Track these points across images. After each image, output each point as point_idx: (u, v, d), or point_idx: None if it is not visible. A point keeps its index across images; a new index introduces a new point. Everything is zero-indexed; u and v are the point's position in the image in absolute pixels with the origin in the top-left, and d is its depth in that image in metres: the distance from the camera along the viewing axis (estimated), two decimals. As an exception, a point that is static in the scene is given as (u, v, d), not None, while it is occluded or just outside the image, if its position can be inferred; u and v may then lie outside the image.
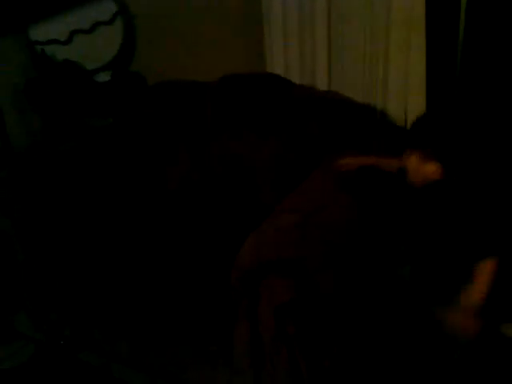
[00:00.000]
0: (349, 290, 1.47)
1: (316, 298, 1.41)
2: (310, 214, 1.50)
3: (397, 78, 2.05)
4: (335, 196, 1.60)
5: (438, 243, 1.49)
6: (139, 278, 1.76)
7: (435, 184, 1.44)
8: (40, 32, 2.46)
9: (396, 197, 1.56)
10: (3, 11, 2.25)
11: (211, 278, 1.67)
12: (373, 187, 1.65)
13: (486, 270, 1.44)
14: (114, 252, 1.87)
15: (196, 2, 2.41)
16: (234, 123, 2.06)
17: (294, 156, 1.90)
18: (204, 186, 2.12)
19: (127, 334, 1.81)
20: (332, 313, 1.44)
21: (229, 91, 2.12)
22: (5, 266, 2.06)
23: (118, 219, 2.03)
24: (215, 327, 1.59)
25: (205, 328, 1.61)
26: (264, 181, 1.97)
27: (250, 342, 1.48)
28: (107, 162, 2.20)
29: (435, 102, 2.07)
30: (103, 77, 2.51)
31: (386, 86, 2.08)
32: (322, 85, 2.19)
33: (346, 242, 1.47)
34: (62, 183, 2.05)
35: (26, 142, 2.50)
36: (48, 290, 1.96)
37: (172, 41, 2.51)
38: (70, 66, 2.46)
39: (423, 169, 1.44)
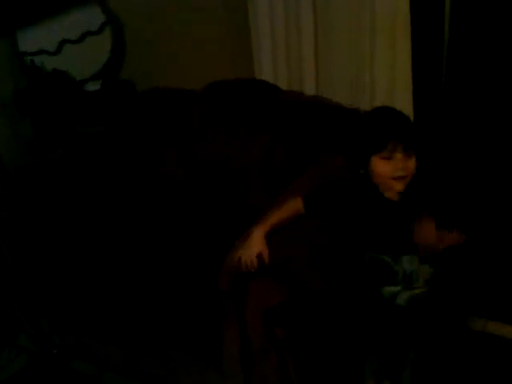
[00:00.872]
0: (335, 290, 1.47)
1: (303, 300, 1.42)
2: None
3: (383, 83, 2.07)
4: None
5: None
6: (129, 283, 1.76)
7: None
8: (29, 43, 2.48)
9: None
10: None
11: (200, 282, 1.67)
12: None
13: None
14: (104, 258, 1.87)
15: (184, 12, 2.44)
16: (220, 126, 2.07)
17: (280, 157, 1.90)
18: (192, 188, 2.13)
19: (118, 341, 1.81)
20: (319, 314, 1.45)
21: (215, 96, 2.14)
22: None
23: (108, 225, 2.04)
24: (205, 332, 1.59)
25: (195, 333, 1.62)
26: (252, 182, 1.98)
27: (239, 346, 1.48)
28: (97, 169, 2.21)
29: (421, 105, 2.09)
30: (93, 86, 2.52)
31: (373, 91, 2.10)
32: (309, 90, 2.21)
33: (328, 242, 1.48)
34: (53, 190, 2.06)
35: (17, 151, 2.51)
36: (38, 298, 1.96)
37: (161, 49, 2.53)
38: (60, 76, 2.47)
39: (407, 164, 1.39)
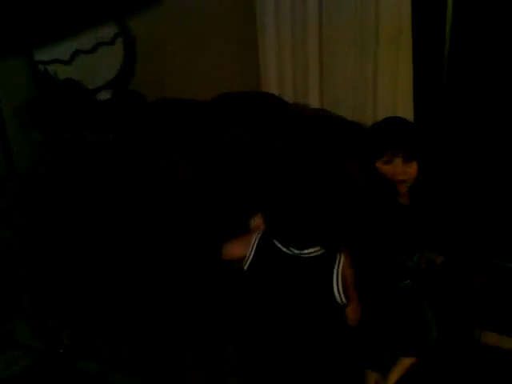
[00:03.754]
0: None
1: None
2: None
3: (386, 97, 2.16)
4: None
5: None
6: (140, 284, 1.81)
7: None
8: (43, 52, 2.55)
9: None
10: (8, 34, 2.34)
11: (211, 285, 1.72)
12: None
13: None
14: (115, 259, 1.91)
15: (193, 25, 2.53)
16: (231, 136, 2.13)
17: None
18: (204, 198, 2.18)
19: (127, 341, 1.85)
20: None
21: (225, 107, 2.21)
22: (2, 274, 2.09)
23: (117, 231, 2.08)
24: (210, 334, 1.64)
25: (201, 335, 1.66)
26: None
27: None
28: (106, 177, 2.25)
29: (423, 116, 2.17)
30: (104, 95, 2.59)
31: (376, 104, 2.18)
32: (314, 104, 2.29)
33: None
34: (63, 197, 2.10)
35: (28, 158, 2.56)
36: (47, 297, 2.00)
37: (170, 61, 2.61)
38: (72, 85, 2.53)
39: (406, 169, 1.49)
